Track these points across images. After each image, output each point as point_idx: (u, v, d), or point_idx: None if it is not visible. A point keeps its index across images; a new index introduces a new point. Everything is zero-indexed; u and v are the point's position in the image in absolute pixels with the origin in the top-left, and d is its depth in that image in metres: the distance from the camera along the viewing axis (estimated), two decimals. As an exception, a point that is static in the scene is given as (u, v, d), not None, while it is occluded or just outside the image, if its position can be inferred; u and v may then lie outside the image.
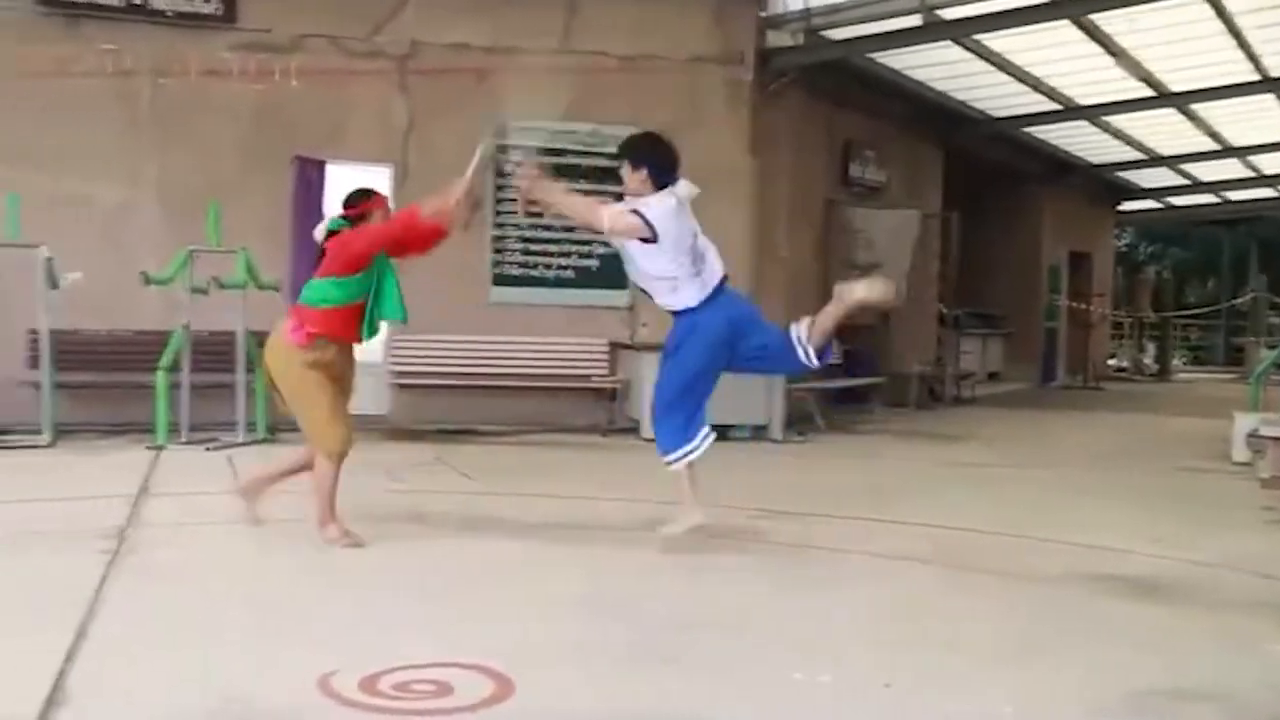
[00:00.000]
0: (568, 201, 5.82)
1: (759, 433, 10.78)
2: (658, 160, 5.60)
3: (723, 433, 10.70)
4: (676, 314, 5.66)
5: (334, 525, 5.60)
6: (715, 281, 5.62)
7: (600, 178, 11.57)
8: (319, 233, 5.73)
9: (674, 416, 5.65)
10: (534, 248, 11.24)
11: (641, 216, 5.44)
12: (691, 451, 5.64)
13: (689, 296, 5.58)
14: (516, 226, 11.33)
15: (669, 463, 5.64)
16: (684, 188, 5.58)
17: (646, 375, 10.51)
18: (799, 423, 11.34)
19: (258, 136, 10.62)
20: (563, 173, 11.39)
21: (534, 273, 11.27)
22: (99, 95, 10.23)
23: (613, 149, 11.34)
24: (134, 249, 10.02)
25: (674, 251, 5.47)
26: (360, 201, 5.72)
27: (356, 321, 5.65)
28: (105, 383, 9.95)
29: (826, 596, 4.93)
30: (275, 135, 10.64)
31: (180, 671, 3.69)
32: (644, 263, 5.58)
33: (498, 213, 11.28)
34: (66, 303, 9.37)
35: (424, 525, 6.26)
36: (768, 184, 12.20)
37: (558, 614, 4.53)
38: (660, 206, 5.46)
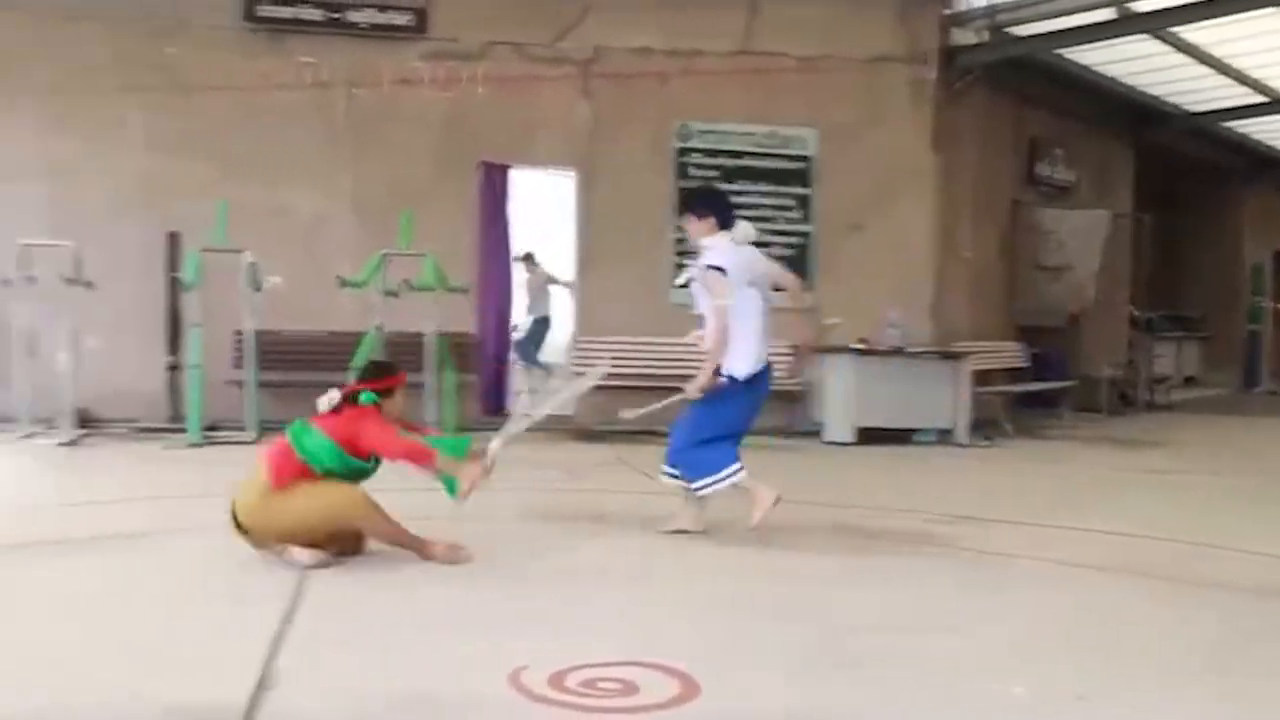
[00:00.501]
0: (711, 358, 5.88)
1: (944, 437, 10.57)
2: (719, 206, 6.06)
3: (905, 436, 10.71)
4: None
5: (432, 545, 5.35)
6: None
7: (779, 179, 11.56)
8: (330, 400, 5.25)
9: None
10: (714, 250, 11.21)
11: (716, 268, 5.82)
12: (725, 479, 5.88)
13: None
14: (698, 230, 11.37)
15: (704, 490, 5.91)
16: (741, 230, 6.01)
17: (831, 377, 10.44)
18: (985, 427, 11.07)
19: (446, 143, 10.92)
20: (741, 175, 11.43)
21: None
22: (299, 107, 10.68)
23: (792, 151, 11.50)
24: (330, 253, 10.41)
25: (738, 282, 5.81)
26: (385, 376, 5.41)
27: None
28: (304, 381, 10.32)
29: (1007, 602, 4.81)
30: (463, 142, 10.93)
31: (378, 660, 3.81)
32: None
33: (678, 214, 11.32)
34: (268, 305, 9.81)
35: (605, 524, 6.33)
36: (951, 183, 11.96)
37: (741, 615, 4.52)
38: (718, 245, 5.90)
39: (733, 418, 5.94)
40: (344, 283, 9.64)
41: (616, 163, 11.17)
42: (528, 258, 13.88)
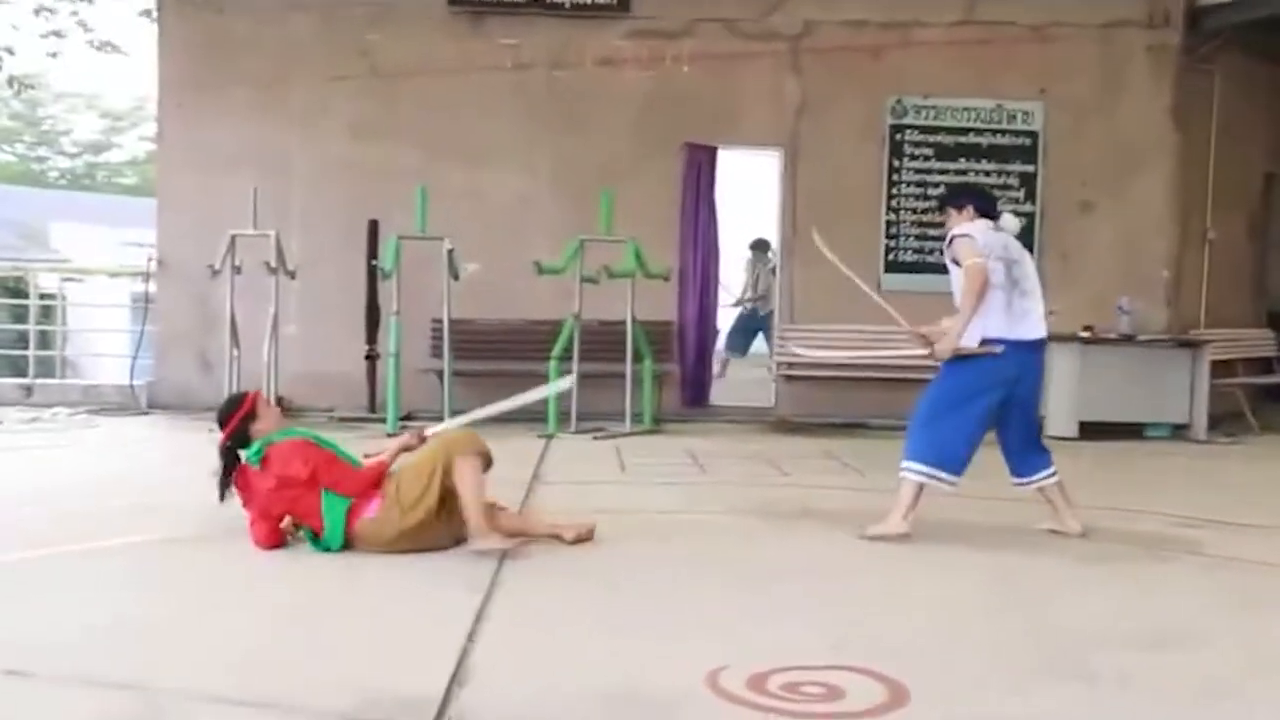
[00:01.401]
0: (965, 316, 5.71)
1: (1178, 432, 10.08)
2: (979, 198, 6.11)
3: (1134, 431, 10.23)
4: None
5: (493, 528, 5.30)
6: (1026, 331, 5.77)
7: (1002, 156, 11.21)
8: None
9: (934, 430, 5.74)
10: (931, 232, 10.95)
11: (963, 236, 5.81)
12: (937, 478, 5.68)
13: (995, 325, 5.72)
14: (912, 210, 11.14)
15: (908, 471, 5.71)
16: (1007, 221, 6.02)
17: (1052, 367, 10.04)
18: (1226, 422, 10.50)
19: (648, 124, 10.98)
20: (960, 153, 11.14)
21: (929, 259, 11.00)
22: (500, 89, 10.92)
23: (1017, 126, 11.13)
24: (528, 238, 10.60)
25: (989, 256, 5.72)
26: (233, 412, 5.38)
27: None
28: (499, 371, 10.55)
29: (1261, 618, 4.52)
30: (665, 122, 10.96)
31: (573, 657, 3.84)
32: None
33: (890, 194, 11.12)
34: (466, 292, 10.04)
35: (813, 520, 6.25)
36: (1193, 157, 11.38)
37: (955, 619, 4.39)
38: (973, 227, 5.85)
39: (973, 395, 5.68)
40: (541, 269, 9.78)
41: (826, 141, 11.03)
42: (760, 245, 13.84)
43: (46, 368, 12.27)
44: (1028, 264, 5.89)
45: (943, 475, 5.66)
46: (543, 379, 9.53)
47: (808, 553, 5.53)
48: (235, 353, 9.77)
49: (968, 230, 5.80)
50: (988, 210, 5.98)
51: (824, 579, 4.99)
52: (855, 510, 6.30)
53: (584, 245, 9.81)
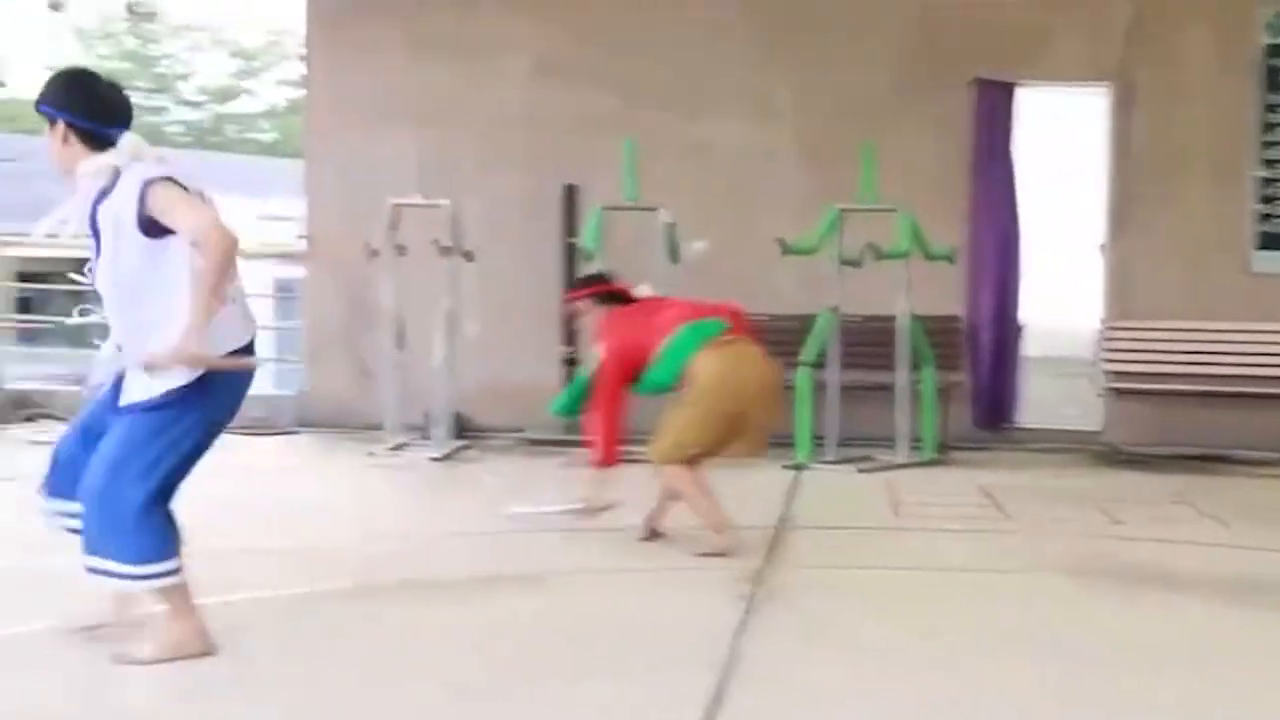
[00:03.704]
0: None
1: None
2: None
3: None
4: None
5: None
6: None
7: None
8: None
9: None
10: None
11: None
12: None
13: None
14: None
15: None
16: None
17: None
18: None
19: (923, 55, 10.80)
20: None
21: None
22: (725, 13, 10.95)
23: None
24: (766, 208, 10.56)
25: None
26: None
27: None
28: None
29: None
30: (946, 52, 10.77)
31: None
32: None
33: (1266, 144, 10.68)
34: (690, 278, 10.00)
35: (1161, 587, 6.05)
36: None
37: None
38: None
39: None
40: (787, 248, 9.71)
41: (1170, 73, 10.67)
42: None
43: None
44: None
45: None
46: (788, 391, 9.52)
47: (1166, 629, 5.38)
48: (400, 357, 9.99)
49: None
50: None
51: (1193, 667, 4.81)
52: (1218, 575, 6.08)
53: (842, 217, 9.71)
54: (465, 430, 10.48)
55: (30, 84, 30.49)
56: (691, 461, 6.63)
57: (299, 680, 4.54)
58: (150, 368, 4.43)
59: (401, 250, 10.00)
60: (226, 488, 8.66)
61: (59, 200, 4.76)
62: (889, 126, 10.46)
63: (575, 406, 7.06)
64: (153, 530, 4.59)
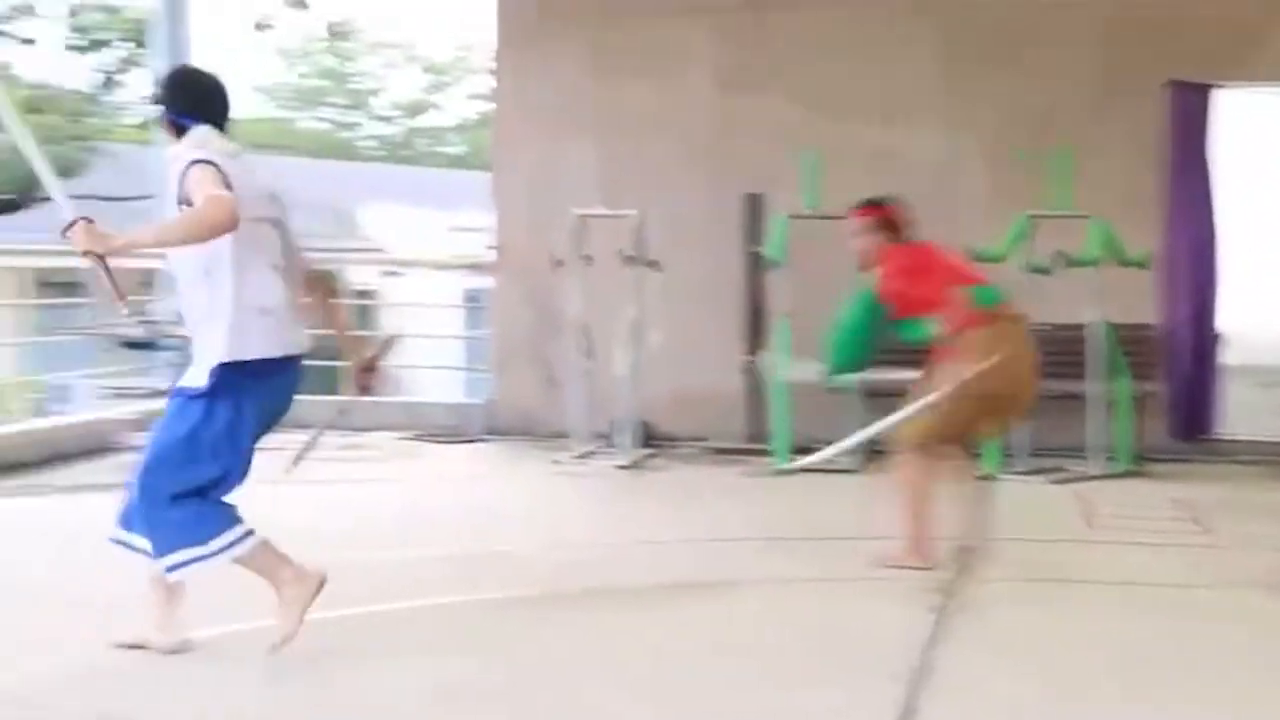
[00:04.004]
0: None
1: None
2: None
3: None
4: None
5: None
6: None
7: None
8: None
9: None
10: None
11: None
12: None
13: None
14: None
15: None
16: None
17: None
18: None
19: (1115, 58, 10.57)
20: None
21: None
22: (908, 20, 10.85)
23: None
24: (953, 215, 10.36)
25: None
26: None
27: None
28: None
29: None
30: (1140, 53, 10.52)
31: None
32: None
33: None
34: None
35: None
36: None
37: None
38: None
39: None
40: (975, 255, 9.57)
41: None
42: None
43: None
44: None
45: None
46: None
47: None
48: (586, 366, 10.07)
49: None
50: None
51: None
52: None
53: (1032, 223, 9.56)
54: (651, 438, 10.53)
55: (239, 102, 31.65)
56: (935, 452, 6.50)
57: (495, 688, 4.60)
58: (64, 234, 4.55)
59: (588, 260, 10.08)
60: (418, 495, 8.91)
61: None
62: (1081, 132, 10.26)
63: (857, 355, 7.07)
64: (178, 522, 4.80)
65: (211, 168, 4.62)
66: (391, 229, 25.75)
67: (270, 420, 5.00)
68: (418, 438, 11.10)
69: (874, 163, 10.49)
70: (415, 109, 36.73)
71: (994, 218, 9.91)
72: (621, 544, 7.31)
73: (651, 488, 9.36)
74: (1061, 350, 9.75)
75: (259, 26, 22.79)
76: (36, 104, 20.50)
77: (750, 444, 10.48)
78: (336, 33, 17.34)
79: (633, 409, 10.12)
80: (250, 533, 4.87)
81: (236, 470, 4.91)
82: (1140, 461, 9.72)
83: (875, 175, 10.35)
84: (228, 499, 4.92)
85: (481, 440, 11.16)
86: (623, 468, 9.80)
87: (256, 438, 4.96)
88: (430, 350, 14.32)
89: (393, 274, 16.18)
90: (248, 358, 4.74)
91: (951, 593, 5.95)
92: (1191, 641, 5.30)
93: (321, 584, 4.87)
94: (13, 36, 24.13)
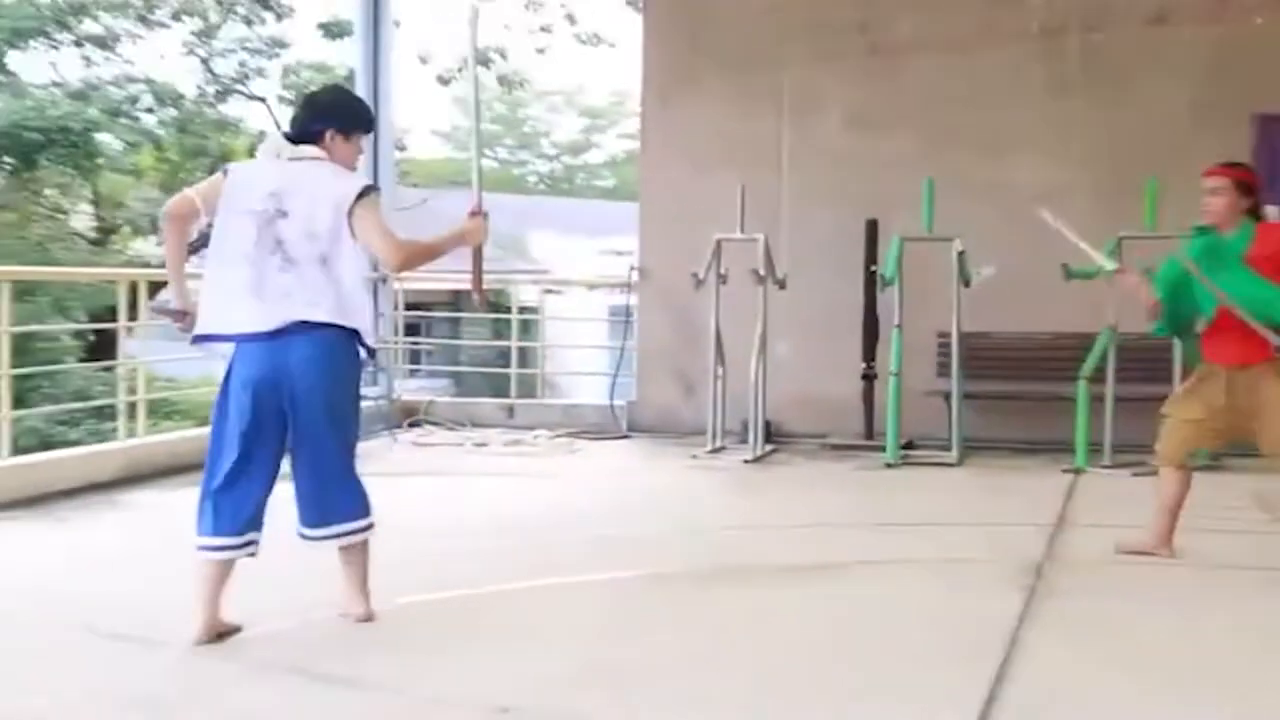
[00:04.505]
0: None
1: None
2: None
3: None
4: None
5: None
6: None
7: None
8: None
9: None
10: None
11: None
12: None
13: None
14: None
15: None
16: None
17: None
18: None
19: (1209, 92, 10.34)
20: None
21: None
22: (1022, 61, 10.78)
23: None
24: (1054, 237, 10.22)
25: None
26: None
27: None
28: (1016, 393, 10.34)
29: None
30: (1231, 89, 10.28)
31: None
32: None
33: None
34: (979, 302, 9.89)
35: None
36: None
37: None
38: None
39: None
40: (1071, 273, 9.46)
41: None
42: None
43: (526, 387, 13.23)
44: None
45: None
46: (1068, 403, 9.38)
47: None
48: (719, 371, 10.14)
49: None
50: None
51: None
52: None
53: (1121, 244, 9.41)
54: (775, 436, 10.58)
55: (423, 147, 32.31)
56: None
57: (635, 661, 4.65)
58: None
59: (723, 279, 10.14)
60: (574, 485, 9.04)
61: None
62: (1176, 161, 9.97)
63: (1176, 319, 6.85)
64: (201, 509, 4.81)
65: (222, 173, 4.91)
66: (553, 253, 26.08)
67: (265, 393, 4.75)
68: (571, 435, 11.25)
69: (985, 190, 10.44)
70: (574, 148, 37.14)
71: (1094, 238, 9.68)
72: (749, 528, 7.40)
73: (775, 479, 9.43)
74: (1147, 358, 9.65)
75: (441, 80, 23.28)
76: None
77: (864, 441, 10.46)
78: (507, 83, 17.74)
79: (760, 410, 10.18)
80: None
81: None
82: (1218, 458, 9.51)
83: (983, 202, 10.35)
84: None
85: (626, 437, 11.30)
86: (750, 461, 9.87)
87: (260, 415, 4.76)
88: (583, 358, 14.50)
89: (552, 291, 16.35)
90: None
91: (1041, 574, 5.93)
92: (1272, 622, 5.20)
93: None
94: (246, 94, 25.69)
